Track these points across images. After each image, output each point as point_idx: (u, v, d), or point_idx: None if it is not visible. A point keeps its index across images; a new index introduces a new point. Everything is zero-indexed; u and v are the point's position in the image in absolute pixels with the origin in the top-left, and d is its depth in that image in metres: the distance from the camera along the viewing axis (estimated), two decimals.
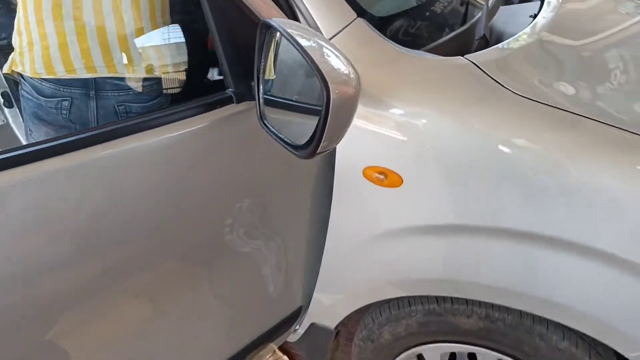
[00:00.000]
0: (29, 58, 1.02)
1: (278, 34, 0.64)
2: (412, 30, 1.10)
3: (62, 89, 1.04)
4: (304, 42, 0.58)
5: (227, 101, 0.77)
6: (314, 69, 0.56)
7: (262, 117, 0.71)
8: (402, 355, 1.22)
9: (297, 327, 1.28)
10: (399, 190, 0.95)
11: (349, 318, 1.24)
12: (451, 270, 1.01)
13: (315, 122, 0.62)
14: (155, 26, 1.07)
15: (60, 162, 0.66)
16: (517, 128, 0.87)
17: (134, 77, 1.07)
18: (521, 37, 1.08)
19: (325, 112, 0.56)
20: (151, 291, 0.87)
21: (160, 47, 1.09)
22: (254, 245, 1.00)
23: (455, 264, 1.01)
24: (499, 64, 0.97)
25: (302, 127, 0.67)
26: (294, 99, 0.70)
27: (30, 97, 1.08)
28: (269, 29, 0.65)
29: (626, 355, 0.96)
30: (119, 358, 0.88)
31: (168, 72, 1.14)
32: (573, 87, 1.01)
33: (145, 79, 1.10)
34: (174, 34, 1.08)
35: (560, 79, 1.03)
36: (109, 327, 0.85)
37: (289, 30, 0.60)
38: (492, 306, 1.05)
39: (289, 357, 1.65)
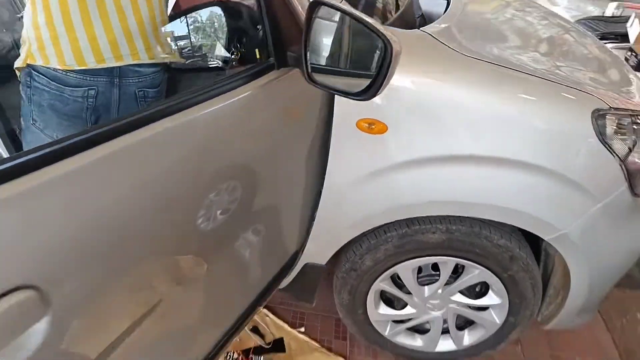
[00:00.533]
0: (55, 51, 1.08)
1: (325, 10, 0.86)
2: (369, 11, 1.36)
3: (88, 79, 1.12)
4: (358, 15, 0.81)
5: (270, 68, 0.96)
6: (374, 32, 0.79)
7: (309, 77, 0.92)
8: (380, 277, 1.51)
9: (292, 270, 1.49)
10: (384, 136, 1.22)
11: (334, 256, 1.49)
12: (421, 194, 1.31)
13: (349, 80, 0.85)
14: (162, 13, 1.19)
15: (129, 139, 0.73)
16: (464, 78, 1.20)
17: (153, 63, 1.18)
18: (449, 15, 1.42)
19: (388, 62, 0.79)
20: (193, 250, 0.98)
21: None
22: (272, 195, 1.20)
23: (424, 188, 1.31)
24: (444, 34, 1.28)
25: (343, 81, 0.90)
26: (333, 62, 0.92)
27: (47, 88, 1.12)
28: (317, 6, 0.86)
29: (544, 238, 1.35)
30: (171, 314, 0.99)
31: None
32: (489, 47, 1.37)
33: (155, 65, 1.21)
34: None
35: (482, 42, 1.39)
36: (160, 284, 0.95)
37: (344, 7, 0.82)
38: (450, 221, 1.37)
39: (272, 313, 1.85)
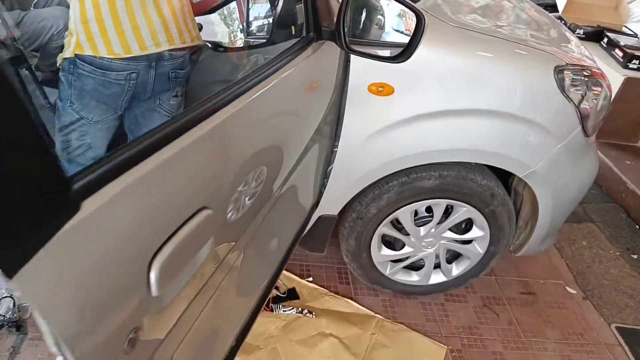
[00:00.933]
0: (103, 42, 1.21)
1: None
2: None
3: (132, 64, 1.26)
4: None
5: (310, 42, 1.15)
6: (405, 5, 1.00)
7: (347, 47, 1.12)
8: (383, 222, 1.75)
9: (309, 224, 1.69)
10: (391, 97, 1.44)
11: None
12: (421, 145, 1.55)
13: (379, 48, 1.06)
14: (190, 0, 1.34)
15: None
16: (454, 45, 1.44)
17: (184, 47, 1.33)
18: None
19: (418, 30, 1.01)
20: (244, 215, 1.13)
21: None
22: (300, 156, 1.39)
23: (419, 141, 1.55)
24: (434, 9, 1.52)
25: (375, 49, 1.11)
26: (365, 34, 1.13)
27: (92, 75, 1.26)
28: None
29: (518, 175, 1.64)
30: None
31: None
32: (469, 17, 1.62)
33: (184, 48, 1.36)
34: None
35: (462, 13, 1.64)
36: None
37: None
38: (442, 168, 1.63)
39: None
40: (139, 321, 0.70)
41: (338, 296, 1.97)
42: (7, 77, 0.43)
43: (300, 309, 1.87)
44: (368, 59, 1.23)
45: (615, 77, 2.91)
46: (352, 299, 1.98)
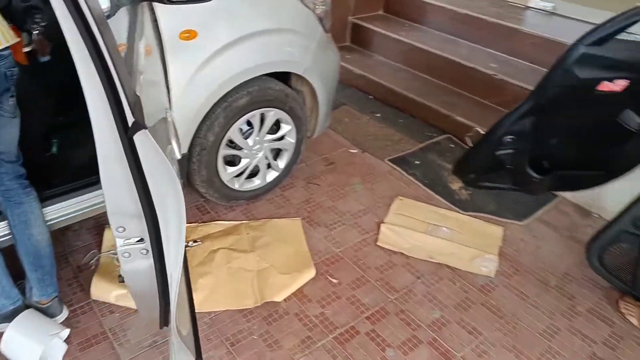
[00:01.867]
0: None
1: None
2: None
3: None
4: None
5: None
6: None
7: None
8: (221, 145, 2.16)
9: None
10: (197, 39, 1.84)
11: None
12: (227, 72, 2.00)
13: None
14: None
15: None
16: None
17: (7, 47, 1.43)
18: None
19: None
20: None
21: None
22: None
23: (228, 67, 2.00)
24: None
25: None
26: None
27: None
28: None
29: (299, 73, 2.25)
30: None
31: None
32: None
33: (7, 48, 1.45)
34: None
35: None
36: None
37: None
38: (248, 85, 2.11)
39: None
40: None
41: (208, 223, 2.35)
42: None
43: (185, 243, 2.20)
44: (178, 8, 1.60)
45: None
46: (218, 220, 2.38)
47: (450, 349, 1.87)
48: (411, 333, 1.91)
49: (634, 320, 2.02)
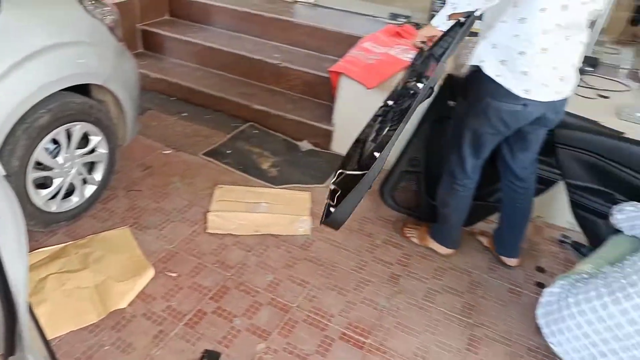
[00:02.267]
0: None
1: None
2: None
3: None
4: None
5: None
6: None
7: None
8: (28, 168, 2.10)
9: None
10: None
11: None
12: (19, 95, 1.96)
13: None
14: None
15: None
16: None
17: None
18: None
19: None
20: None
21: None
22: None
23: (18, 89, 1.96)
24: None
25: None
26: None
27: None
28: None
29: (100, 83, 2.29)
30: None
31: None
32: None
33: None
34: None
35: None
36: None
37: None
38: (47, 102, 2.08)
39: None
40: None
41: (29, 253, 2.25)
42: None
43: None
44: None
45: None
46: (38, 248, 2.30)
47: (287, 302, 2.20)
48: (252, 299, 2.19)
49: (415, 240, 2.65)
